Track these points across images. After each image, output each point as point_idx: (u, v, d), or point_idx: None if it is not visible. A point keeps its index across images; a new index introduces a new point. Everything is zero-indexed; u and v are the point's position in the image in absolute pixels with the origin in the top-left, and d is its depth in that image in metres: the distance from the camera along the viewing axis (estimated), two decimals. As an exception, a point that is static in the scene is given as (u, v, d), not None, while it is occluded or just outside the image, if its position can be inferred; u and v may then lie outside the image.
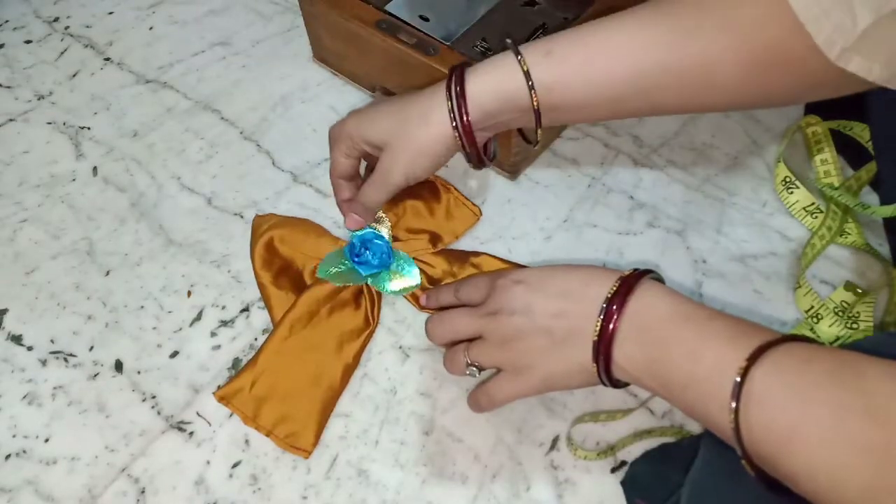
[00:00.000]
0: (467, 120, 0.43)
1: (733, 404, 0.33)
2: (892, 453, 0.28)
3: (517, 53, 0.42)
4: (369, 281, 0.54)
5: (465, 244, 0.57)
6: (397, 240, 0.56)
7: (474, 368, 0.45)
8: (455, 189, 0.59)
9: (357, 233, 0.54)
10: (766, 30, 0.38)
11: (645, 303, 0.39)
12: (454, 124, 0.44)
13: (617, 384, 0.41)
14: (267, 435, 0.48)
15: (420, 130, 0.45)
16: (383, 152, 0.47)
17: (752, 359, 0.34)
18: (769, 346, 0.34)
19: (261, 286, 0.54)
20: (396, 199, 0.57)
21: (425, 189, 0.58)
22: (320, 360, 0.51)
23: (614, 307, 0.39)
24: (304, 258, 0.55)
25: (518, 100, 0.43)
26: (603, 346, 0.39)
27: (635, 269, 0.41)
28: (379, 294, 0.54)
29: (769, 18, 0.37)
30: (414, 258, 0.55)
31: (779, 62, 0.38)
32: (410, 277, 0.54)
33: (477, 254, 0.56)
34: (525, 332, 0.42)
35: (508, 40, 0.43)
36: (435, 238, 0.57)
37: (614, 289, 0.40)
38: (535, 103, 0.42)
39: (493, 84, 0.43)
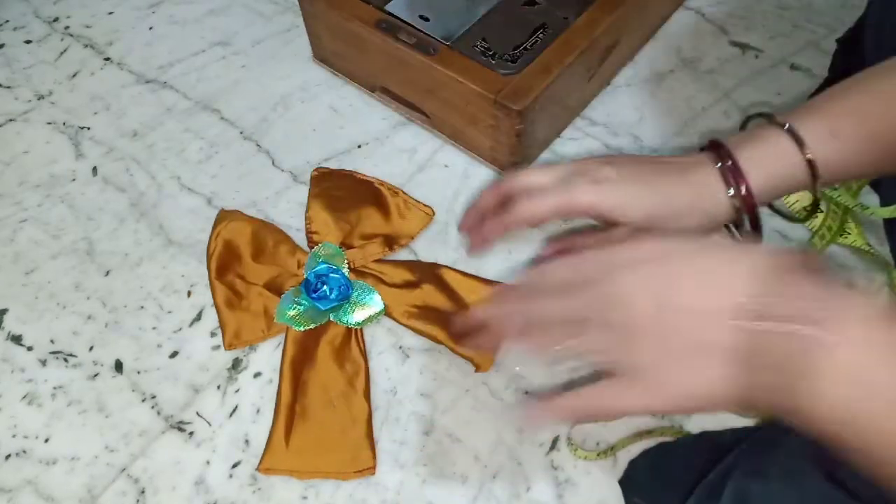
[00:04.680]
0: (748, 192, 0.38)
1: None
2: None
3: (796, 137, 0.37)
4: (331, 316, 0.52)
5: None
6: (354, 270, 0.55)
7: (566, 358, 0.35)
8: (403, 192, 0.59)
9: (312, 269, 0.54)
10: None
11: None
12: (731, 193, 0.38)
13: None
14: (330, 477, 0.47)
15: (690, 219, 0.38)
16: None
17: None
18: None
19: (210, 280, 0.55)
20: (347, 209, 0.57)
21: (373, 196, 0.58)
22: (338, 393, 0.50)
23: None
24: (256, 269, 0.55)
25: (798, 181, 0.38)
26: None
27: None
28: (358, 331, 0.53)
29: None
30: (371, 270, 0.55)
31: None
32: (373, 305, 0.53)
33: (438, 266, 0.55)
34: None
35: (785, 124, 0.38)
36: (389, 240, 0.56)
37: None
38: (817, 188, 0.38)
39: (769, 173, 0.38)
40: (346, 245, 0.55)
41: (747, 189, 0.37)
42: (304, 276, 0.54)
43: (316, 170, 0.61)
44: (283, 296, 0.53)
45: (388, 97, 0.65)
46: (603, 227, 0.39)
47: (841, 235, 0.55)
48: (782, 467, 0.35)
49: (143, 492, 0.47)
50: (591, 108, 0.65)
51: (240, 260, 0.55)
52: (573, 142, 0.63)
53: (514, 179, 0.41)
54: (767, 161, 0.37)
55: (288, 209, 0.59)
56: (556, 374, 0.41)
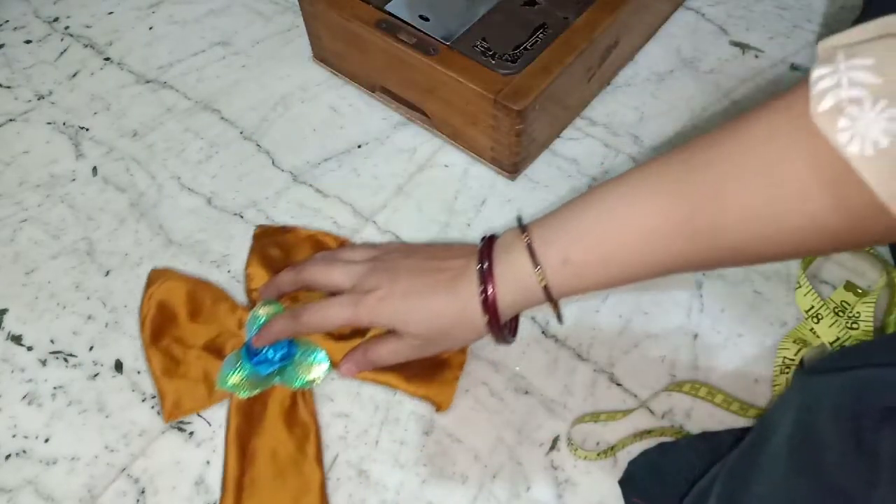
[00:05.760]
0: (496, 315, 0.42)
1: None
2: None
3: (534, 261, 0.40)
4: (276, 380, 0.49)
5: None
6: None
7: None
8: (351, 242, 0.57)
9: (252, 331, 0.50)
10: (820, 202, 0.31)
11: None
12: (486, 319, 0.42)
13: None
14: None
15: (459, 332, 0.44)
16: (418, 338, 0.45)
17: None
18: None
19: (145, 347, 0.51)
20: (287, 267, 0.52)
21: (316, 250, 0.55)
22: (288, 461, 0.47)
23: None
24: (194, 330, 0.51)
25: (537, 300, 0.41)
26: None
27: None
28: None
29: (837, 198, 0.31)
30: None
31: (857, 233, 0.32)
32: (319, 363, 0.50)
33: None
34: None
35: (520, 228, 0.41)
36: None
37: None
38: (554, 308, 0.41)
39: (515, 289, 0.41)
40: (290, 299, 0.52)
41: (493, 297, 0.41)
42: (245, 339, 0.51)
43: (259, 227, 0.58)
44: (224, 360, 0.50)
45: (388, 97, 0.65)
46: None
47: (841, 235, 0.55)
48: (764, 470, 0.35)
49: (143, 492, 0.47)
50: (591, 108, 0.65)
51: (175, 321, 0.51)
52: (573, 142, 0.63)
53: (317, 272, 0.48)
54: (511, 273, 0.40)
55: (288, 209, 0.59)
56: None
